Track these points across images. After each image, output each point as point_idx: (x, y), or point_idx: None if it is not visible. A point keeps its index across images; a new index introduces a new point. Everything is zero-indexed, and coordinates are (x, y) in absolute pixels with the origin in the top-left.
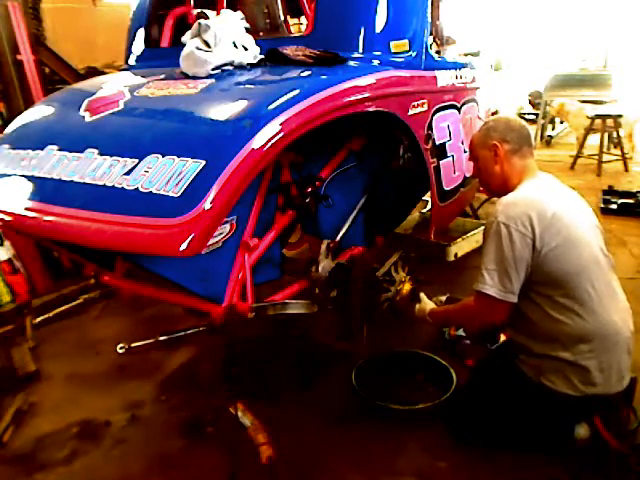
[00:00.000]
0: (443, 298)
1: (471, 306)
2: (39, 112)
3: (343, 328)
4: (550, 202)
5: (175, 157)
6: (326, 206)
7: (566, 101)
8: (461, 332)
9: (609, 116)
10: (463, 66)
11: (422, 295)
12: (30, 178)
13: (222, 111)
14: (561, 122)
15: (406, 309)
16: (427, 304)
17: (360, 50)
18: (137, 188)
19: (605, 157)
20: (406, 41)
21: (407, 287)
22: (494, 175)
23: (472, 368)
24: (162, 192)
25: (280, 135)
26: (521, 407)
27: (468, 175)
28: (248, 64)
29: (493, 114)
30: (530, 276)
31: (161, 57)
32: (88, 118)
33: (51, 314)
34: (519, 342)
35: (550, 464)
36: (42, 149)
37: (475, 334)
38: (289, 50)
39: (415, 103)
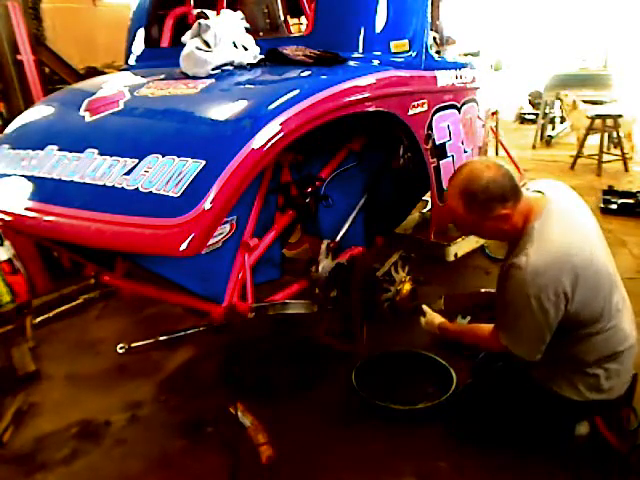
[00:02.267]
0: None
1: (488, 340)
2: (39, 112)
3: (343, 328)
4: (574, 250)
5: (175, 157)
6: (326, 206)
7: (576, 99)
8: None
9: (609, 116)
10: (463, 66)
11: (426, 308)
12: (30, 178)
13: (222, 111)
14: (561, 122)
15: (405, 309)
16: (435, 317)
17: (360, 50)
18: (137, 188)
19: (605, 157)
20: (406, 41)
21: (407, 287)
22: (505, 233)
23: (474, 368)
24: (162, 192)
25: (280, 135)
26: (523, 404)
27: None
28: (248, 64)
29: (493, 114)
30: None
31: (161, 57)
32: (88, 118)
33: (51, 314)
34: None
35: (551, 463)
36: (42, 149)
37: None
38: (289, 50)
39: (415, 103)
